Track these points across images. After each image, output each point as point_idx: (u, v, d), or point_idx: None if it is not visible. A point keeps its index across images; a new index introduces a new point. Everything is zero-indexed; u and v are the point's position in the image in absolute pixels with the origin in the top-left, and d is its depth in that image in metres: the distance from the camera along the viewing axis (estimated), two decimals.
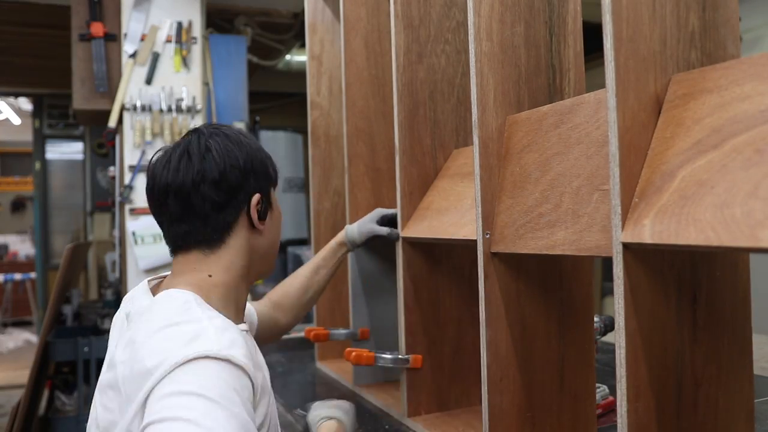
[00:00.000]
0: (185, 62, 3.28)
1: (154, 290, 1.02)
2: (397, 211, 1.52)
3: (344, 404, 1.19)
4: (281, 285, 1.52)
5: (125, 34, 3.22)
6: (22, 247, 9.31)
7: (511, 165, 1.16)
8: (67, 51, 3.29)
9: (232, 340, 0.87)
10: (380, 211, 1.59)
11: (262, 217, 1.03)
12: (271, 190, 1.07)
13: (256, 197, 1.02)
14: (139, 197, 3.17)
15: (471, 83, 1.16)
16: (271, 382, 1.32)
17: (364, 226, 1.57)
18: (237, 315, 1.03)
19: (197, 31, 3.34)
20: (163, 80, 3.24)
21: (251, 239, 1.03)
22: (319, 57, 2.15)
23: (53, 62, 4.98)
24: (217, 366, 0.83)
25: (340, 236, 1.59)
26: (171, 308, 0.93)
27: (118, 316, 1.03)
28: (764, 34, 3.58)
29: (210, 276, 1.00)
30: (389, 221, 1.58)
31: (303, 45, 4.43)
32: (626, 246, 0.79)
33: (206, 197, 0.97)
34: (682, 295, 0.85)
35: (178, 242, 1.02)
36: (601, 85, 0.86)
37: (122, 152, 3.26)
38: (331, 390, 1.80)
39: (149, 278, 1.07)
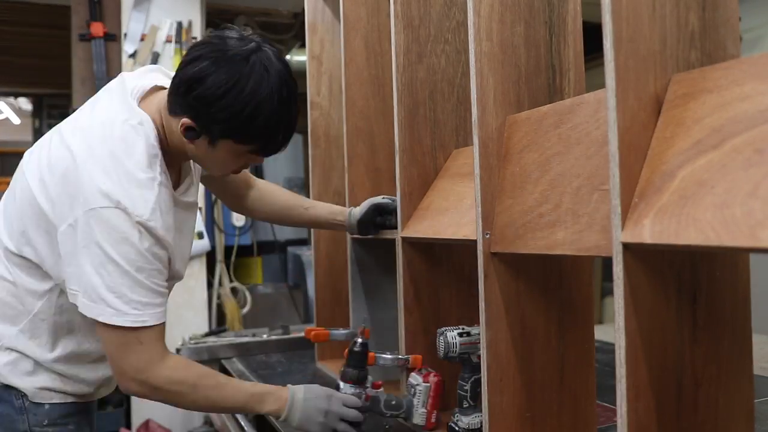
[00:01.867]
0: None
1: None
2: (397, 201, 1.52)
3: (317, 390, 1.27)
4: (272, 192, 1.62)
5: (125, 34, 3.22)
6: None
7: (511, 165, 1.16)
8: (67, 51, 3.29)
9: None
10: (375, 203, 1.62)
11: (187, 137, 1.15)
12: (225, 142, 1.15)
13: (183, 120, 1.13)
14: None
15: (471, 83, 1.16)
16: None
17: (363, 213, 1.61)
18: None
19: (197, 31, 3.34)
20: None
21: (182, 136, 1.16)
22: (319, 57, 2.15)
23: (53, 62, 4.98)
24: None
25: (340, 217, 1.62)
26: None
27: None
28: (764, 34, 3.58)
29: (160, 113, 1.18)
30: (384, 211, 1.61)
31: (303, 45, 4.42)
32: (626, 246, 0.79)
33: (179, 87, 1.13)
34: (682, 295, 0.85)
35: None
36: (601, 85, 0.86)
37: None
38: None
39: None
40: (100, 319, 1.10)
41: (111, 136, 1.12)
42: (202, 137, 1.14)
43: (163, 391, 1.16)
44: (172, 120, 1.16)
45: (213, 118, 1.11)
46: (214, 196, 3.50)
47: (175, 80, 1.14)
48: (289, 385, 1.27)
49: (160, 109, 1.18)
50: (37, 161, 1.18)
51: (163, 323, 1.16)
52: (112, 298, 1.08)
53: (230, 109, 1.09)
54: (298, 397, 1.24)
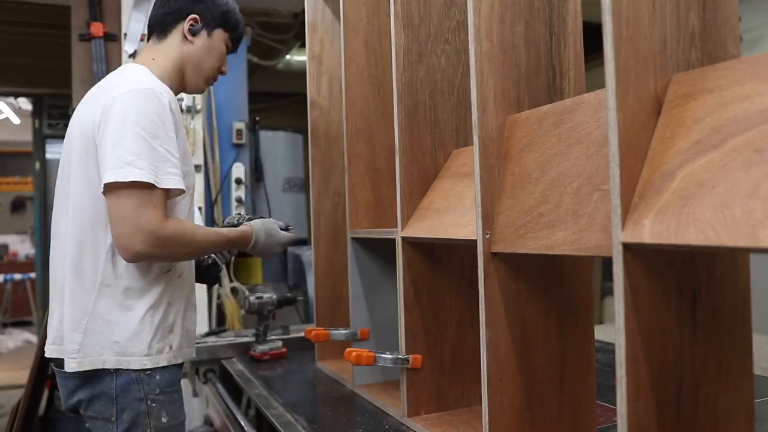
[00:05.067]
0: None
1: None
2: (397, 201, 1.52)
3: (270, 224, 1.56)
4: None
5: (125, 34, 3.22)
6: (22, 247, 9.31)
7: (511, 165, 1.16)
8: (67, 51, 3.29)
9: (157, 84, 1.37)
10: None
11: (192, 32, 1.48)
12: (218, 31, 1.51)
13: (192, 16, 1.48)
14: None
15: (471, 83, 1.16)
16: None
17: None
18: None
19: None
20: None
21: (184, 44, 1.49)
22: (319, 57, 2.15)
23: (53, 62, 4.98)
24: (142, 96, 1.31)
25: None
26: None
27: None
28: (764, 34, 3.58)
29: (153, 59, 1.47)
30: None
31: (303, 45, 4.43)
32: (626, 246, 0.79)
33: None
34: (682, 295, 0.85)
35: (147, 33, 1.54)
36: (601, 85, 0.86)
37: None
38: (331, 390, 1.80)
39: None
40: (128, 179, 1.24)
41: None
42: (203, 30, 1.49)
43: (171, 242, 1.29)
44: (165, 40, 1.49)
45: (210, 10, 1.49)
46: (214, 196, 3.50)
47: (164, 6, 1.50)
48: (251, 225, 1.53)
49: (151, 58, 1.48)
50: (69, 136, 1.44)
51: (176, 191, 1.32)
52: (135, 160, 1.25)
53: (220, 3, 1.51)
54: (260, 236, 1.52)
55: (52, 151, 6.63)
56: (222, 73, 1.57)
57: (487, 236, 1.14)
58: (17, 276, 7.76)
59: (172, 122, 1.33)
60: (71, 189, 1.38)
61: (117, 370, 1.32)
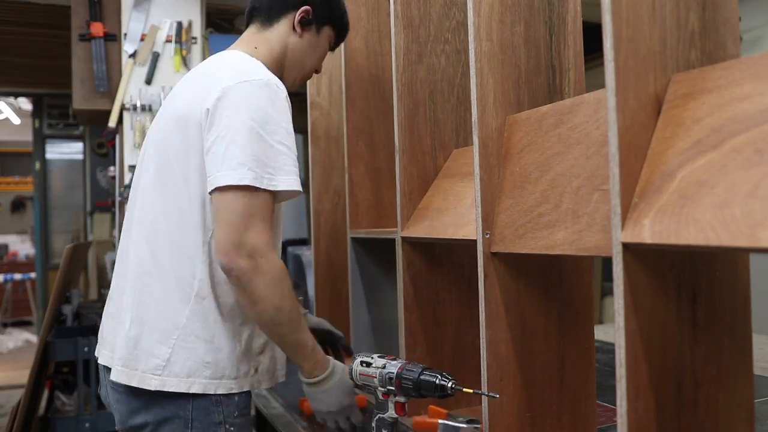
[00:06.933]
0: (185, 62, 3.28)
1: None
2: (397, 201, 1.51)
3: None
4: None
5: (125, 34, 3.22)
6: (22, 247, 9.31)
7: (511, 165, 1.16)
8: (67, 51, 3.29)
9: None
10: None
11: (303, 24, 1.35)
12: (327, 27, 1.41)
13: (305, 7, 1.34)
14: None
15: (471, 83, 1.16)
16: None
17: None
18: None
19: (197, 31, 3.34)
20: (163, 80, 3.24)
21: (290, 36, 1.35)
22: None
23: (53, 62, 4.98)
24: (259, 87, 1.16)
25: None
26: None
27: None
28: (764, 34, 3.58)
29: (255, 48, 1.33)
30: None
31: None
32: (626, 246, 0.79)
33: None
34: (682, 295, 0.85)
35: (247, 16, 1.39)
36: (601, 85, 0.86)
37: (122, 152, 3.26)
38: None
39: None
40: (242, 182, 1.10)
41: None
42: (313, 24, 1.37)
43: (266, 279, 1.13)
44: (270, 29, 1.35)
45: (323, 5, 1.37)
46: None
47: None
48: (330, 359, 1.30)
49: (253, 46, 1.34)
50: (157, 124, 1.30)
51: (291, 193, 1.18)
52: (249, 160, 1.11)
53: None
54: (335, 377, 1.28)
55: (52, 151, 6.63)
56: (317, 72, 1.46)
57: (487, 236, 1.14)
58: (17, 276, 7.76)
59: (290, 116, 1.20)
60: (165, 186, 1.22)
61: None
